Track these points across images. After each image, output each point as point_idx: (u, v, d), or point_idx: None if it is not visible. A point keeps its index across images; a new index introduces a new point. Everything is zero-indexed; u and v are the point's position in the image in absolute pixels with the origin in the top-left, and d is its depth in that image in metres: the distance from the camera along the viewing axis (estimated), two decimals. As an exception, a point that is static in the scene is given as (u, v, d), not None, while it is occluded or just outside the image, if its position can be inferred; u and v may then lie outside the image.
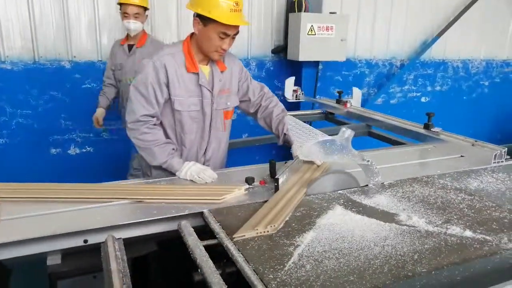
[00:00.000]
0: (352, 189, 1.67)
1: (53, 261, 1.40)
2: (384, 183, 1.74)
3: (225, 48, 1.84)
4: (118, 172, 3.36)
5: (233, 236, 1.27)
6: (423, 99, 5.44)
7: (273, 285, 1.02)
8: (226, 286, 1.04)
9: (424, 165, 2.13)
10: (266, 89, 2.21)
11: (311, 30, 3.92)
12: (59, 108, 3.50)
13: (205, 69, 1.94)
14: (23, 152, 3.45)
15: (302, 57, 3.97)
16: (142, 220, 1.45)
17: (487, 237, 1.30)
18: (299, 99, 4.01)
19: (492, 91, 5.83)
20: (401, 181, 1.78)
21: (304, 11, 3.95)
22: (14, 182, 1.74)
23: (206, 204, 1.53)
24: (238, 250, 1.19)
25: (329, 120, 3.68)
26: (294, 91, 3.96)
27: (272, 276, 1.06)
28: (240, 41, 4.15)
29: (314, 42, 3.97)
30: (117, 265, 1.11)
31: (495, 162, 2.07)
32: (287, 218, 1.40)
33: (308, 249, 1.20)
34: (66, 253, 1.41)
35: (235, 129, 4.33)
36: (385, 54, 4.98)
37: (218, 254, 1.24)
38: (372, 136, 3.16)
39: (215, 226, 1.34)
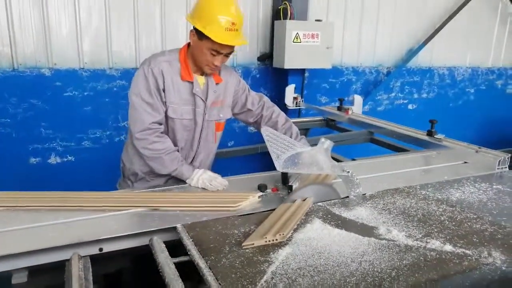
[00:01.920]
0: (332, 201, 1.63)
1: (19, 279, 1.34)
2: (365, 195, 1.70)
3: (216, 65, 1.83)
4: (100, 181, 3.27)
5: (243, 245, 1.25)
6: (410, 106, 5.46)
7: (243, 306, 0.97)
8: (194, 308, 0.99)
9: (428, 171, 2.13)
10: (266, 98, 2.20)
11: (297, 38, 3.91)
12: (39, 116, 3.41)
13: (200, 79, 1.93)
14: (1, 162, 3.35)
15: (287, 65, 3.95)
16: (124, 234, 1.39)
17: (467, 251, 1.26)
18: (299, 106, 4.02)
19: (477, 98, 5.88)
20: (382, 192, 1.74)
21: (290, 19, 3.94)
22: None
23: (221, 211, 1.52)
24: (210, 268, 1.14)
25: (331, 127, 3.69)
26: (295, 98, 3.98)
27: (242, 297, 1.01)
28: (226, 49, 4.12)
29: (300, 50, 3.95)
30: (79, 286, 1.05)
31: (499, 168, 2.11)
32: (295, 226, 1.37)
33: (282, 267, 1.15)
34: (33, 271, 1.35)
35: (221, 137, 4.30)
36: (371, 61, 4.99)
37: (195, 272, 1.19)
38: (374, 142, 3.18)
39: (188, 242, 1.29)
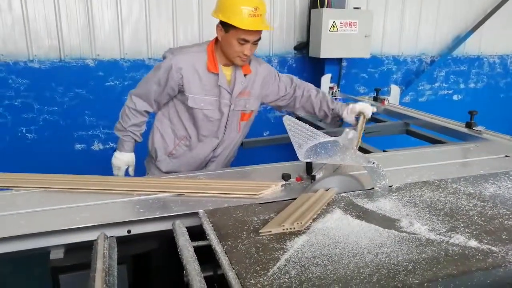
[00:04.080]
0: (356, 192, 1.61)
1: (56, 255, 1.44)
2: (392, 187, 1.67)
3: (247, 54, 1.86)
4: (138, 167, 3.42)
5: (260, 232, 1.27)
6: (455, 97, 5.21)
7: (253, 290, 1.00)
8: (206, 289, 1.03)
9: (466, 164, 2.06)
10: (295, 78, 2.22)
11: (333, 26, 3.83)
12: (83, 105, 3.61)
13: (227, 71, 1.97)
14: (50, 147, 3.59)
15: (323, 54, 3.90)
16: (151, 217, 1.46)
17: (493, 248, 1.21)
18: (335, 96, 3.98)
19: (532, 88, 5.50)
20: (410, 184, 1.70)
21: (327, 7, 3.87)
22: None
23: (244, 199, 1.55)
24: (225, 252, 1.17)
25: None
26: (331, 88, 3.94)
27: (253, 281, 1.03)
28: (262, 38, 4.11)
29: (337, 39, 3.88)
30: (102, 264, 1.12)
31: None
32: (315, 216, 1.37)
33: (297, 254, 1.16)
34: (69, 248, 1.45)
35: (256, 127, 4.34)
36: (414, 50, 4.80)
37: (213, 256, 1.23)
38: (410, 134, 3.10)
39: (207, 227, 1.33)
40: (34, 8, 3.33)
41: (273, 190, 1.63)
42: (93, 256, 1.21)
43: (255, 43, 1.87)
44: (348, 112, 2.07)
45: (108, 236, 1.33)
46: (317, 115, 2.21)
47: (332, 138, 1.55)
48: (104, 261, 1.14)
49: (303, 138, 1.50)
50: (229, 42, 1.84)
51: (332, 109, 2.13)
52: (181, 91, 1.98)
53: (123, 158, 2.12)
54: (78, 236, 1.43)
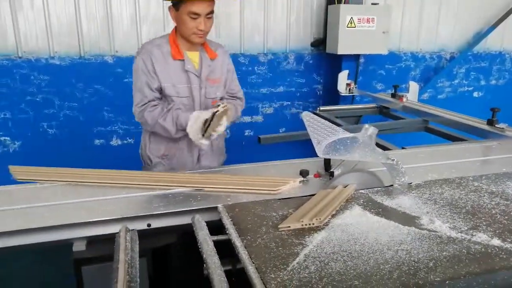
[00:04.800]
0: (375, 189, 1.60)
1: (79, 247, 1.47)
2: (411, 184, 1.65)
3: (201, 29, 1.87)
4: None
5: (279, 227, 1.27)
6: (475, 94, 5.11)
7: (273, 285, 1.00)
8: (227, 282, 1.04)
9: (487, 162, 2.03)
10: (242, 95, 2.27)
11: (351, 22, 3.80)
12: (102, 101, 3.67)
13: (193, 55, 2.00)
14: (70, 142, 3.66)
15: (341, 51, 3.87)
16: (170, 211, 1.48)
17: (517, 247, 1.19)
18: (352, 93, 3.95)
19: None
20: (430, 182, 1.68)
21: (344, 3, 3.83)
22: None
23: (261, 194, 1.57)
24: (245, 247, 1.18)
25: (384, 115, 3.61)
26: (348, 84, 3.92)
27: (273, 276, 1.04)
28: (279, 34, 4.12)
29: (354, 35, 3.84)
30: (125, 256, 1.15)
31: None
32: (333, 212, 1.37)
33: (316, 250, 1.16)
34: (91, 241, 1.48)
35: (272, 124, 4.34)
36: (433, 46, 4.72)
37: (232, 250, 1.25)
38: (429, 131, 3.07)
39: (227, 222, 1.34)
40: (55, 5, 3.39)
41: (291, 186, 1.64)
42: (115, 248, 1.23)
43: (208, 16, 1.88)
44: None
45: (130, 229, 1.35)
46: None
47: (351, 134, 1.54)
48: (127, 253, 1.17)
49: (322, 134, 1.49)
50: (182, 19, 1.86)
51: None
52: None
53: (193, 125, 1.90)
54: (99, 229, 1.46)
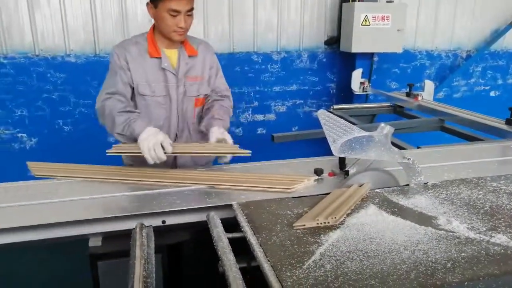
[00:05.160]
0: (391, 188, 1.58)
1: (94, 243, 1.49)
2: (428, 183, 1.63)
3: (182, 26, 1.83)
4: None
5: (294, 225, 1.27)
6: (492, 93, 5.02)
7: (289, 283, 1.00)
8: (242, 279, 1.04)
9: (506, 162, 1.99)
10: (229, 93, 2.15)
11: (366, 20, 3.77)
12: (116, 98, 3.70)
13: (171, 53, 1.96)
14: (85, 139, 3.71)
15: (355, 49, 3.84)
16: (185, 208, 1.49)
17: (538, 249, 1.16)
18: (366, 91, 3.93)
19: None
20: (446, 181, 1.65)
21: (359, 1, 3.80)
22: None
23: (276, 192, 1.56)
24: (260, 245, 1.18)
25: (398, 114, 3.58)
26: (361, 83, 3.90)
27: (289, 274, 1.04)
28: (292, 32, 4.10)
29: (368, 33, 3.81)
30: (140, 252, 1.15)
31: None
32: (349, 211, 1.37)
33: (332, 249, 1.16)
34: (106, 236, 1.50)
35: (285, 122, 4.34)
36: (449, 44, 4.65)
37: (247, 247, 1.25)
38: (445, 131, 3.03)
39: (241, 219, 1.34)
40: (71, 3, 3.44)
41: (306, 184, 1.63)
42: (132, 244, 1.24)
43: (189, 14, 1.84)
44: (213, 131, 1.89)
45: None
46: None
47: (367, 133, 1.52)
48: (143, 249, 1.17)
49: (338, 132, 1.48)
50: (161, 16, 1.81)
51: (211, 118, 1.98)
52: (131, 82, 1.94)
53: (150, 137, 1.73)
54: (115, 225, 1.47)
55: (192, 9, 1.85)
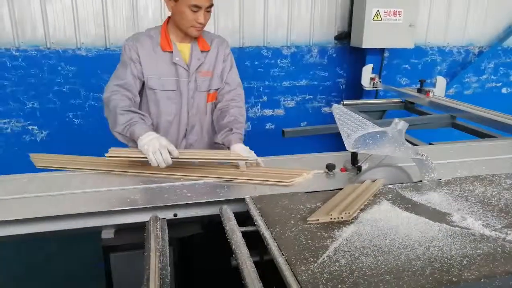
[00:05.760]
0: (404, 184, 1.57)
1: (107, 235, 1.50)
2: (441, 180, 1.62)
3: (201, 22, 1.82)
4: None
5: (307, 220, 1.27)
6: (503, 90, 4.96)
7: (304, 277, 1.00)
8: (257, 273, 1.04)
9: None
10: (241, 90, 2.11)
11: (377, 15, 3.73)
12: (126, 92, 3.71)
13: (184, 48, 1.94)
14: (95, 132, 3.73)
15: (366, 44, 3.80)
16: (193, 202, 1.50)
17: (555, 247, 1.15)
18: (376, 87, 3.90)
19: None
20: (460, 178, 1.64)
21: (371, -5, 3.76)
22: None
23: (274, 186, 1.58)
24: (274, 239, 1.18)
25: (409, 110, 3.55)
26: (372, 79, 3.87)
27: (303, 268, 1.04)
28: (302, 27, 4.08)
29: (380, 28, 3.78)
30: (155, 244, 1.16)
31: None
32: (362, 206, 1.37)
33: (346, 244, 1.15)
34: (119, 229, 1.51)
35: (294, 117, 4.32)
36: (461, 40, 4.60)
37: (260, 241, 1.25)
38: (456, 128, 3.00)
39: (255, 213, 1.35)
40: (83, -3, 3.45)
41: (305, 178, 1.64)
42: (146, 237, 1.25)
43: (208, 10, 1.83)
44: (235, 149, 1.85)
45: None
46: (218, 124, 2.04)
47: (381, 129, 1.51)
48: (158, 242, 1.18)
49: (352, 127, 1.47)
50: (181, 11, 1.79)
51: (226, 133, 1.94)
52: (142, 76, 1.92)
53: (152, 140, 1.70)
54: (127, 217, 1.48)
55: (212, 5, 1.85)
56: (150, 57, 1.90)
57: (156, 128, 1.98)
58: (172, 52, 1.92)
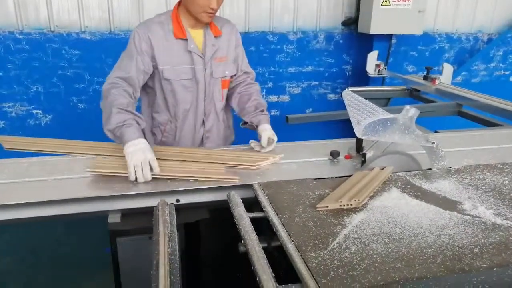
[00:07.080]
0: (413, 172, 1.56)
1: (114, 219, 1.50)
2: (451, 168, 1.60)
3: (213, 7, 1.76)
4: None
5: (317, 206, 1.26)
6: None
7: (314, 263, 0.99)
8: (266, 259, 1.03)
9: None
10: (254, 75, 2.14)
11: (386, 1, 3.66)
12: (131, 76, 3.68)
13: (197, 34, 1.89)
14: (99, 117, 3.70)
15: (373, 30, 3.74)
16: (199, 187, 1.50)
17: None
18: (381, 74, 3.85)
19: None
20: (470, 167, 1.62)
21: (379, -20, 3.69)
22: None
23: (241, 169, 1.61)
24: (283, 225, 1.18)
25: (414, 97, 3.51)
26: (377, 65, 3.82)
27: (313, 255, 1.03)
28: (308, 12, 4.01)
29: (388, 14, 3.71)
30: (164, 229, 1.15)
31: None
32: (371, 194, 1.35)
33: (356, 231, 1.14)
34: (125, 213, 1.50)
35: (299, 104, 4.28)
36: (470, 27, 4.52)
37: (267, 227, 1.24)
38: (462, 116, 2.96)
39: (263, 199, 1.34)
40: (86, -20, 3.39)
41: (271, 161, 1.69)
42: (154, 221, 1.24)
43: None
44: (266, 129, 1.87)
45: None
46: (241, 108, 2.04)
47: (392, 116, 1.49)
48: (166, 226, 1.17)
49: (362, 114, 1.45)
50: None
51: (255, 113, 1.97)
52: (154, 67, 1.85)
53: (138, 152, 1.55)
54: (133, 202, 1.48)
55: None
56: (163, 47, 1.83)
57: (174, 118, 1.97)
58: (186, 39, 1.85)
